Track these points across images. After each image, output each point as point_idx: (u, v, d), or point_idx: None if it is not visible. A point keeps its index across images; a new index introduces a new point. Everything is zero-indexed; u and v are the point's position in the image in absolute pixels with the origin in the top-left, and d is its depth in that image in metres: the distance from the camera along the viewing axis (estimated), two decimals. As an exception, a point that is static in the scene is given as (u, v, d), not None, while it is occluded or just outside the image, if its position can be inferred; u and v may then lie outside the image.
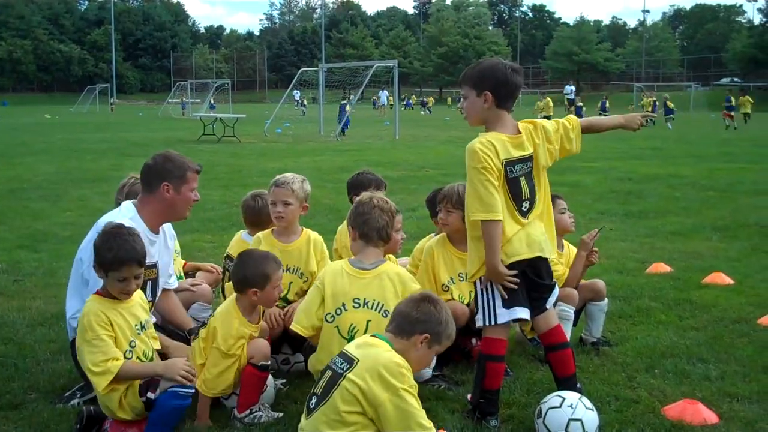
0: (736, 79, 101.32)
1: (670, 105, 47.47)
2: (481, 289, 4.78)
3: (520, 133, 4.76)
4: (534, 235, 4.74)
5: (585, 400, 4.67)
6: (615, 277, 8.47)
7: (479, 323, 4.81)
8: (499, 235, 4.60)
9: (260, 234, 5.99)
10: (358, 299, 4.71)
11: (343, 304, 4.73)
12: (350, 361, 3.96)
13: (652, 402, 5.17)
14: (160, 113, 67.65)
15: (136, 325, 4.55)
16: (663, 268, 8.95)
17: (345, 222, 6.03)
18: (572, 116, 5.12)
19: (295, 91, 59.30)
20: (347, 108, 37.63)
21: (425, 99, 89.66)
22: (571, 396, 4.65)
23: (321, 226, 6.57)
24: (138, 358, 4.50)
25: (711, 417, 4.87)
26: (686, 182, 17.49)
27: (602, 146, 28.31)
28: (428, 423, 3.92)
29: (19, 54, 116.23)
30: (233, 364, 4.80)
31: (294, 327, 4.94)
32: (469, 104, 4.81)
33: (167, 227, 5.51)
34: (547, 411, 4.62)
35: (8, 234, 11.29)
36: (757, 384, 5.46)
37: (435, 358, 4.82)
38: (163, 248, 5.36)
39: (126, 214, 5.17)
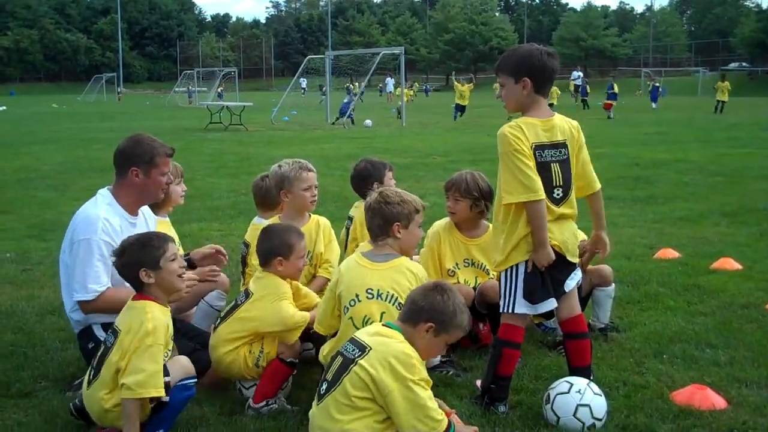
0: (744, 64, 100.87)
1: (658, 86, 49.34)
2: (505, 276, 4.78)
3: (552, 116, 4.75)
4: (563, 236, 4.75)
5: (593, 385, 4.67)
6: (623, 263, 8.46)
7: (501, 308, 4.84)
8: (545, 214, 4.60)
9: (258, 222, 5.99)
10: (371, 290, 4.66)
11: (357, 295, 4.69)
12: (362, 348, 3.95)
13: (661, 387, 5.16)
14: (167, 102, 67.65)
15: (171, 335, 4.50)
16: (671, 253, 8.93)
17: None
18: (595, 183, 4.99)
19: (301, 79, 59.22)
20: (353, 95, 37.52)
21: (428, 86, 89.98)
22: (579, 381, 4.66)
23: (329, 214, 6.57)
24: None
25: (720, 402, 4.86)
26: (694, 167, 17.45)
27: (609, 132, 28.28)
28: (439, 415, 3.90)
29: (25, 44, 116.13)
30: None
31: (316, 328, 4.97)
32: (508, 92, 4.78)
33: (146, 211, 5.53)
34: (555, 397, 4.62)
35: (17, 223, 11.32)
36: (766, 369, 5.46)
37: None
38: (144, 230, 5.36)
39: (103, 201, 5.21)
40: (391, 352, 3.89)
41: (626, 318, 6.70)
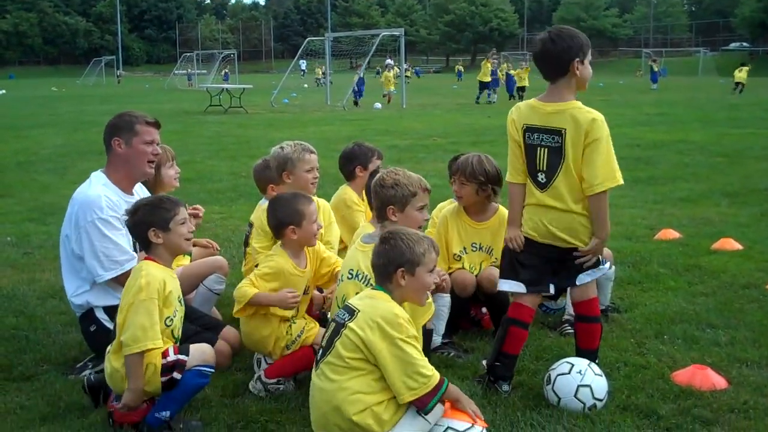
0: (744, 44, 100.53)
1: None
2: (502, 253, 5.00)
3: (556, 101, 4.69)
4: (535, 224, 4.76)
5: (594, 366, 4.68)
6: (624, 244, 8.47)
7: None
8: (517, 197, 4.84)
9: (264, 204, 5.97)
10: (352, 270, 4.67)
11: (341, 276, 4.74)
12: (351, 312, 4.00)
13: (662, 368, 5.18)
14: (167, 85, 67.51)
15: (179, 297, 4.55)
16: (672, 234, 8.93)
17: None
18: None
19: (301, 61, 59.01)
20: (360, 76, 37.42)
21: (419, 68, 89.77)
22: (579, 362, 4.67)
23: (328, 196, 6.54)
24: (173, 330, 4.47)
25: (720, 382, 4.88)
26: (695, 148, 17.42)
27: (609, 113, 28.13)
28: (429, 371, 3.91)
29: (24, 27, 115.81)
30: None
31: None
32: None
33: (142, 189, 5.53)
34: (556, 377, 4.63)
35: (17, 207, 11.32)
36: (766, 349, 5.47)
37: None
38: None
39: (98, 182, 5.21)
40: (378, 313, 3.92)
41: (627, 299, 6.71)
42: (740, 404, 4.63)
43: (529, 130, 4.68)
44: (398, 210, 4.77)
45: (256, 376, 4.99)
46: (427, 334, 4.98)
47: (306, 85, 52.13)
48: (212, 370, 4.48)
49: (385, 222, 4.81)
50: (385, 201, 4.78)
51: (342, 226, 6.31)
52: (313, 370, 4.11)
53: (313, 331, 5.10)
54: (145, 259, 4.50)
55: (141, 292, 4.29)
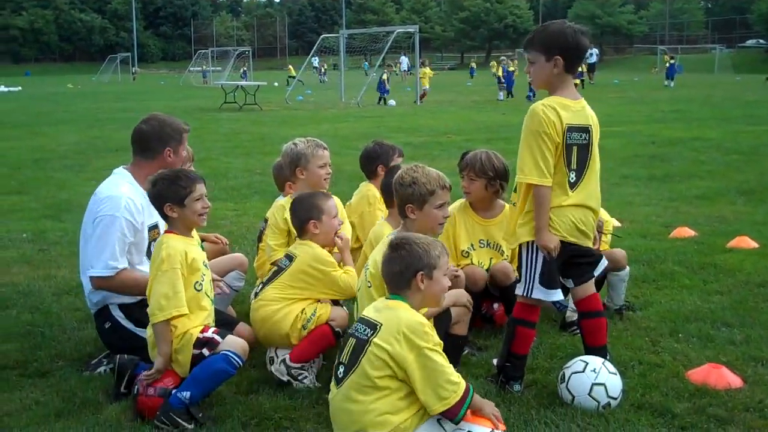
0: (761, 41, 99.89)
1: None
2: (526, 259, 4.75)
3: (580, 98, 4.73)
4: (574, 220, 4.69)
5: (608, 364, 4.67)
6: (639, 242, 8.44)
7: (518, 290, 4.81)
8: (548, 201, 4.60)
9: (283, 201, 5.99)
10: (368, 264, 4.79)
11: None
12: (373, 326, 3.93)
13: (676, 366, 5.16)
14: (182, 82, 67.68)
15: (203, 261, 4.74)
16: (687, 232, 8.90)
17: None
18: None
19: (314, 58, 59.01)
20: (383, 77, 37.36)
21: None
22: (594, 360, 4.65)
23: (343, 194, 6.55)
24: (206, 292, 4.70)
25: (735, 381, 4.86)
26: (711, 145, 17.32)
27: (625, 110, 28.13)
28: (457, 378, 3.89)
29: (40, 24, 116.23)
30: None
31: None
32: (538, 69, 4.72)
33: None
34: (570, 376, 4.62)
35: (33, 204, 11.38)
36: (782, 348, 5.44)
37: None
38: None
39: (123, 180, 5.30)
40: (402, 323, 3.87)
41: (642, 297, 6.69)
42: (756, 403, 4.61)
43: (570, 129, 4.60)
44: (417, 208, 4.78)
45: (279, 359, 5.00)
46: (460, 340, 4.97)
47: (321, 80, 52.07)
48: (241, 362, 4.55)
49: (405, 220, 4.84)
50: (404, 199, 4.80)
51: (362, 223, 6.34)
52: (333, 385, 4.06)
53: (325, 308, 5.16)
54: (166, 232, 4.70)
55: (163, 264, 4.51)
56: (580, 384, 4.56)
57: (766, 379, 4.94)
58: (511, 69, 39.51)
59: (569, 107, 4.64)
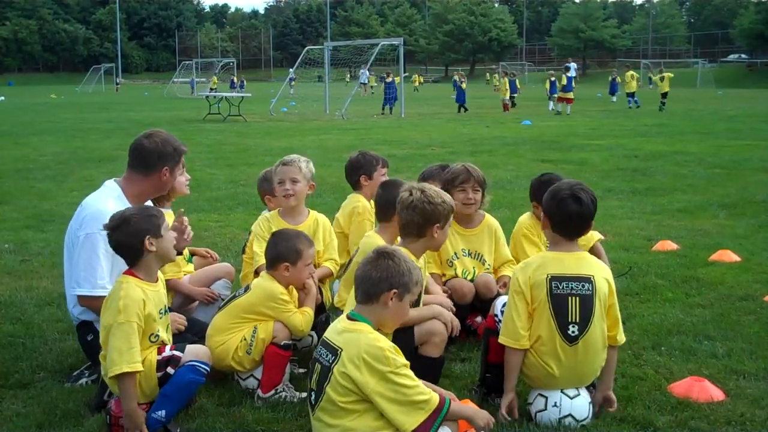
0: (743, 56, 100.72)
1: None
2: (508, 305, 4.69)
3: (578, 251, 4.65)
4: (578, 375, 4.59)
5: (566, 391, 4.58)
6: (621, 255, 8.47)
7: (501, 336, 4.66)
8: (519, 365, 4.58)
9: (267, 214, 5.99)
10: None
11: None
12: (334, 351, 3.89)
13: (659, 379, 5.17)
14: (166, 93, 67.54)
15: (161, 310, 4.52)
16: (669, 245, 8.93)
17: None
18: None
19: (290, 70, 58.85)
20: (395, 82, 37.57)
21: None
22: (551, 394, 4.59)
23: (327, 205, 6.58)
24: (162, 341, 4.49)
25: (717, 394, 4.87)
26: (693, 159, 17.42)
27: (608, 123, 28.27)
28: (425, 395, 3.82)
29: (24, 34, 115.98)
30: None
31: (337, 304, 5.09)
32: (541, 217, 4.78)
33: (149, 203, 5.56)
34: (535, 415, 4.60)
35: (15, 214, 11.31)
36: (763, 361, 5.46)
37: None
38: None
39: (111, 194, 5.20)
40: (362, 349, 3.81)
41: (624, 310, 6.67)
42: (737, 416, 4.62)
43: (555, 279, 4.50)
44: (440, 228, 4.78)
45: (256, 396, 4.95)
46: (434, 362, 4.95)
47: (290, 91, 52.15)
48: (207, 368, 4.50)
49: (419, 240, 4.80)
50: (432, 218, 4.75)
51: (351, 236, 6.38)
52: (309, 411, 4.06)
53: (265, 328, 4.98)
54: (126, 273, 4.45)
55: (119, 315, 4.28)
56: (548, 420, 4.53)
57: (748, 392, 4.96)
58: (464, 87, 39.62)
59: (555, 258, 4.59)
